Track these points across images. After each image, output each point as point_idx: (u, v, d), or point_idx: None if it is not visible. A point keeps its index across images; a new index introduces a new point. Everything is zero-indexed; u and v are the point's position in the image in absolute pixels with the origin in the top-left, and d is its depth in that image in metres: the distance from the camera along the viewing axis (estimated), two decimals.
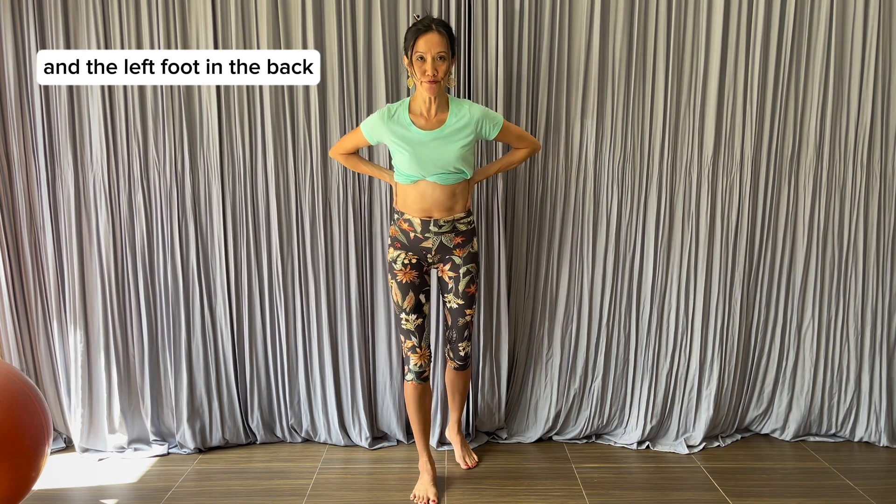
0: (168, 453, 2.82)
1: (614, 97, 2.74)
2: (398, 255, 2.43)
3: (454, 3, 2.64)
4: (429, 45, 2.17)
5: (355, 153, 2.52)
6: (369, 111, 2.73)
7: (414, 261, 2.42)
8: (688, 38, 2.71)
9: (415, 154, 2.28)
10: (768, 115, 2.78)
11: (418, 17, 2.29)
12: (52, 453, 2.77)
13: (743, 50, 2.71)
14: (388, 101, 2.70)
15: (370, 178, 2.77)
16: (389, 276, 2.47)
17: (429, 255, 2.42)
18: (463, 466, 2.70)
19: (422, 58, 2.19)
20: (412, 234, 2.39)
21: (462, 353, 2.56)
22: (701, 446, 2.88)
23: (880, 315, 2.90)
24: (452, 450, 2.82)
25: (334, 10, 2.63)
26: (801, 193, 2.85)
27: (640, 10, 2.68)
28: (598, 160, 2.79)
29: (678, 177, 2.80)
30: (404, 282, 2.42)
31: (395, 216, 2.44)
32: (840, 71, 2.76)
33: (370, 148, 2.73)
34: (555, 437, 2.95)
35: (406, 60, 2.27)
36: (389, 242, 2.46)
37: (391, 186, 2.59)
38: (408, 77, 2.32)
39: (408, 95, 2.58)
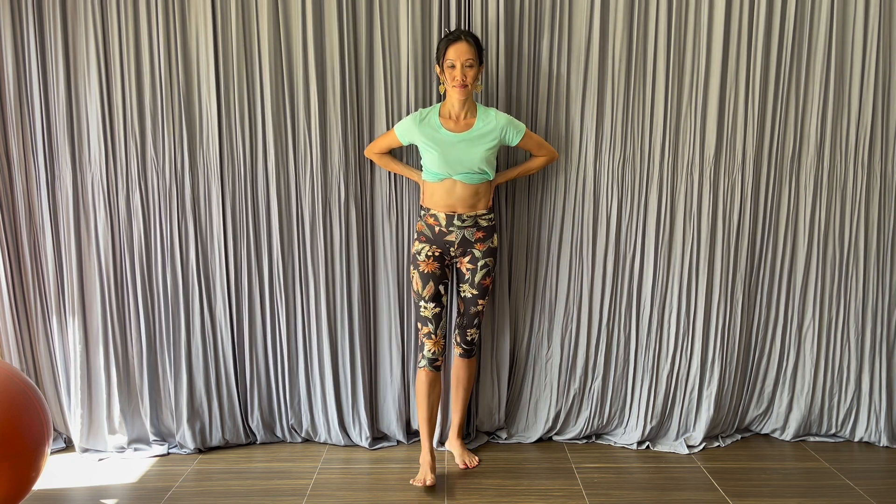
0: (168, 453, 2.82)
1: (614, 97, 2.74)
2: (423, 248, 2.59)
3: (454, 3, 2.64)
4: (458, 53, 2.39)
5: (388, 153, 2.67)
6: (370, 111, 2.73)
7: (437, 253, 2.58)
8: (688, 38, 2.71)
9: (443, 154, 2.47)
10: (769, 116, 2.77)
11: (448, 31, 2.55)
12: (52, 453, 2.77)
13: (744, 50, 2.71)
14: (387, 102, 2.71)
15: (370, 178, 2.78)
16: (412, 268, 2.61)
17: (451, 249, 2.58)
18: (462, 467, 2.70)
19: (452, 65, 2.41)
20: (437, 229, 2.56)
21: (469, 339, 2.67)
22: (701, 446, 2.88)
23: (881, 315, 2.90)
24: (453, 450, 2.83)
25: (334, 10, 2.63)
26: (801, 194, 2.85)
27: (640, 10, 2.68)
28: (598, 160, 2.79)
29: (679, 177, 2.79)
30: (426, 272, 2.57)
31: (422, 212, 2.60)
32: (841, 71, 2.76)
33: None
34: (555, 437, 2.95)
35: (438, 69, 2.49)
36: (415, 237, 2.63)
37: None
38: (440, 84, 2.53)
39: (438, 101, 2.69)
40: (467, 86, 2.42)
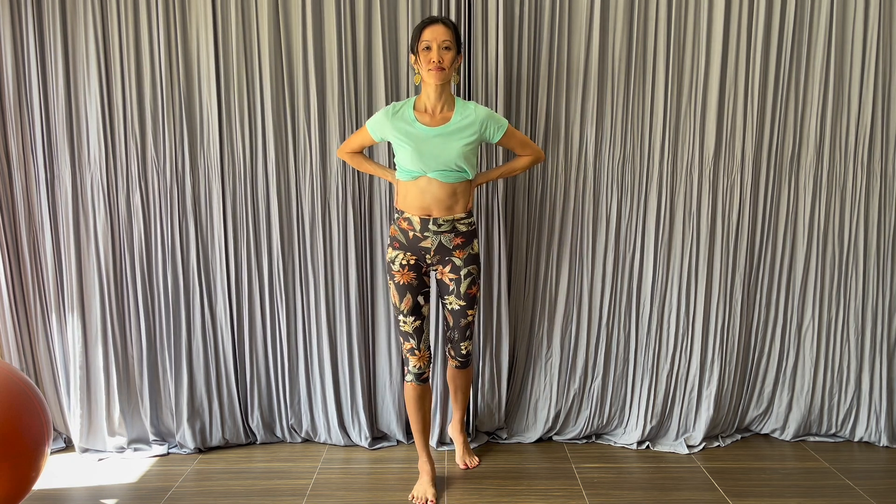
0: (168, 453, 2.82)
1: (614, 97, 2.74)
2: (396, 256, 2.42)
3: (454, 3, 2.64)
4: (434, 34, 2.23)
5: (360, 152, 2.54)
6: (369, 111, 2.73)
7: (412, 261, 2.41)
8: (688, 38, 2.71)
9: (417, 149, 2.29)
10: (769, 116, 2.77)
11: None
12: (52, 453, 2.77)
13: (743, 50, 2.71)
14: (387, 102, 2.70)
15: (370, 178, 2.78)
16: (388, 277, 2.47)
17: (427, 256, 2.41)
18: (462, 467, 2.70)
19: (428, 47, 2.24)
20: (411, 234, 2.38)
21: (464, 352, 2.57)
22: (701, 446, 2.88)
23: (880, 315, 2.90)
24: (452, 450, 2.82)
25: (334, 10, 2.63)
26: (801, 194, 2.85)
27: (640, 11, 2.68)
28: (598, 160, 2.79)
29: (678, 177, 2.79)
30: (402, 283, 2.41)
31: (396, 215, 2.44)
32: (840, 71, 2.76)
33: (371, 149, 2.73)
34: (555, 437, 2.95)
35: (413, 57, 2.31)
36: (389, 242, 2.47)
37: (392, 186, 2.68)
38: (415, 74, 2.34)
39: (414, 94, 2.62)
40: (444, 69, 2.23)
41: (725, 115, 2.75)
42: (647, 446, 2.89)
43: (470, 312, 2.49)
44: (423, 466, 2.54)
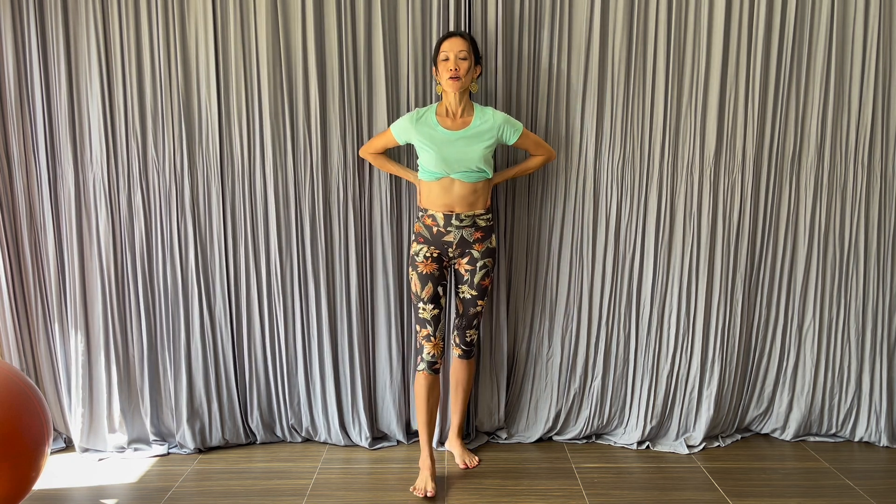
0: (168, 453, 2.82)
1: (614, 97, 2.74)
2: (421, 249, 2.58)
3: (453, 4, 2.64)
4: (452, 45, 2.43)
5: (383, 153, 2.66)
6: (369, 112, 2.73)
7: (435, 254, 2.58)
8: (688, 38, 2.71)
9: (440, 152, 2.46)
10: (769, 116, 2.77)
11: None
12: (52, 453, 2.77)
13: (744, 51, 2.71)
14: (387, 102, 2.71)
15: (370, 178, 2.78)
16: (410, 269, 2.60)
17: (450, 249, 2.57)
18: (462, 467, 2.70)
19: (446, 58, 2.43)
20: (435, 229, 2.54)
21: (468, 339, 2.66)
22: (701, 446, 2.88)
23: (881, 315, 2.90)
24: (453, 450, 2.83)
25: (334, 10, 2.63)
26: (802, 194, 2.85)
27: (640, 10, 2.68)
28: (598, 160, 2.79)
29: (679, 177, 2.79)
30: (424, 273, 2.56)
31: (420, 213, 2.59)
32: (841, 72, 2.76)
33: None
34: (555, 437, 2.95)
35: (434, 70, 2.51)
36: (413, 238, 2.62)
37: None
38: (437, 84, 2.52)
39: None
40: (460, 77, 2.40)
41: (726, 116, 2.75)
42: (647, 446, 2.89)
43: (480, 303, 2.63)
44: (425, 462, 2.55)
